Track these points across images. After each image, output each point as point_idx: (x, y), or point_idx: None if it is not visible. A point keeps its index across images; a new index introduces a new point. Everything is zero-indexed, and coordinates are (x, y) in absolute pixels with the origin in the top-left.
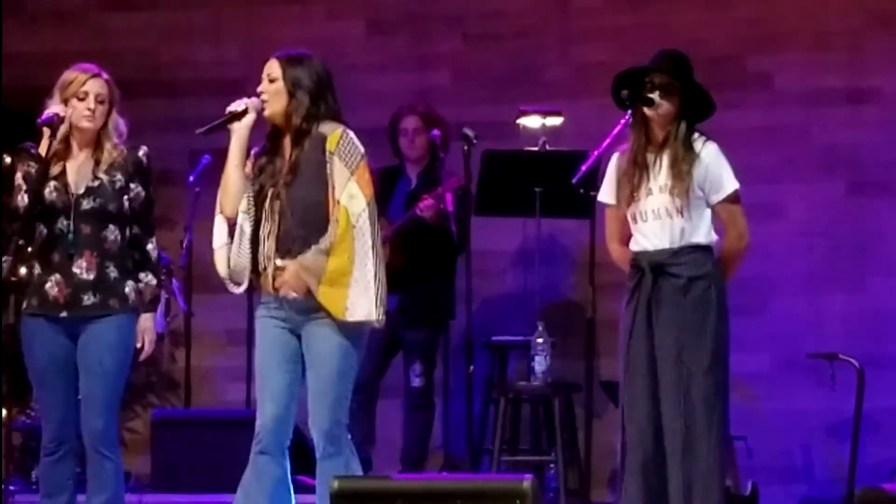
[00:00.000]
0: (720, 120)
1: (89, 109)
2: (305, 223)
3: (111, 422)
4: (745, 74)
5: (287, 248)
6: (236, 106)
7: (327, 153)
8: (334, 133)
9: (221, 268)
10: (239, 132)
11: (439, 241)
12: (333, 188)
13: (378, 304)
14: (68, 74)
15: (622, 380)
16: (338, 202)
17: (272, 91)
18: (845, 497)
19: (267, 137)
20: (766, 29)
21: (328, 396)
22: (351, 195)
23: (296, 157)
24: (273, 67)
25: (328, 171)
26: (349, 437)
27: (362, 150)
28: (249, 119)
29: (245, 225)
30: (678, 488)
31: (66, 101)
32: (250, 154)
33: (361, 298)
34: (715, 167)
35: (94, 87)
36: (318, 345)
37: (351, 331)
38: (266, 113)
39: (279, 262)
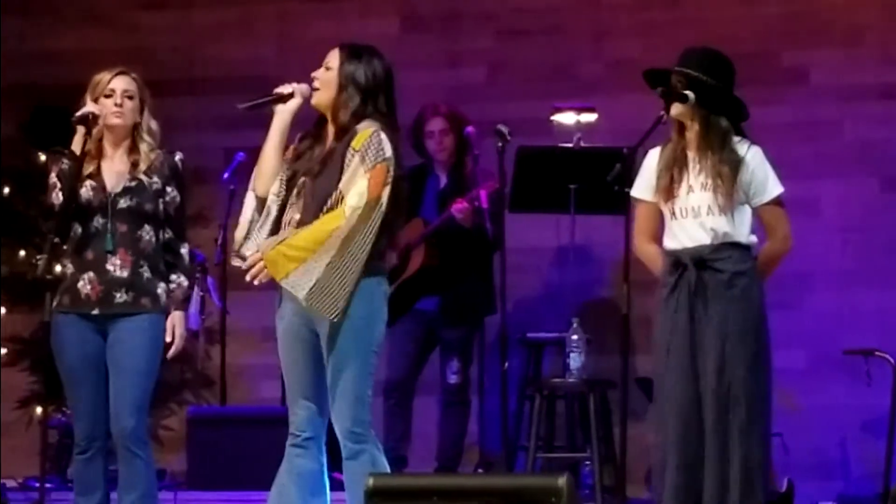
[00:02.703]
0: (754, 115)
1: (117, 105)
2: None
3: (141, 420)
4: (779, 70)
5: None
6: (283, 88)
7: (350, 149)
8: (365, 131)
9: (239, 237)
10: (282, 114)
11: (475, 240)
12: (341, 180)
13: (310, 293)
14: (96, 76)
15: (658, 375)
16: (342, 196)
17: (324, 79)
18: (881, 493)
19: (314, 124)
20: (800, 24)
21: (348, 395)
22: (359, 192)
23: (329, 150)
24: (333, 56)
25: (346, 167)
26: (374, 433)
27: (388, 153)
28: (294, 104)
29: (273, 207)
30: (715, 488)
31: (96, 102)
32: (294, 138)
33: (303, 278)
34: (761, 171)
35: (121, 83)
36: (335, 343)
37: (365, 327)
38: (313, 101)
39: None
